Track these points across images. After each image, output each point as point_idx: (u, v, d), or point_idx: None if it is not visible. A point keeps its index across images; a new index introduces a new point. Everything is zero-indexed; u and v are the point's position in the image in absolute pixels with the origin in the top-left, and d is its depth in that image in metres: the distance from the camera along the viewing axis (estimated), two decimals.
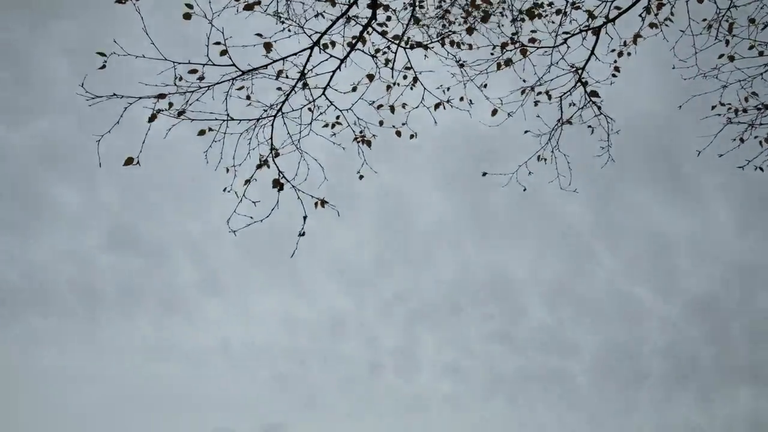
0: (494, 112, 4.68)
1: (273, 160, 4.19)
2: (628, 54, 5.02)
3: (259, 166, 4.63)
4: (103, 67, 4.13)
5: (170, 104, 4.21)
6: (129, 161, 3.86)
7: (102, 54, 4.10)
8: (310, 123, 4.49)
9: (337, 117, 4.95)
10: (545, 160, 5.01)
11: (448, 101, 4.64)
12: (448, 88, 4.96)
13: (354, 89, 4.98)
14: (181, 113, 4.24)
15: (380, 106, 4.74)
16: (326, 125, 4.96)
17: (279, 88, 4.78)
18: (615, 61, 4.98)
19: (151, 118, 4.14)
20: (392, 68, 4.54)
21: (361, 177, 4.88)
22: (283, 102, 4.29)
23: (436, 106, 4.66)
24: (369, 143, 4.89)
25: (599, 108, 4.96)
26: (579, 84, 4.96)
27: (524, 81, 4.63)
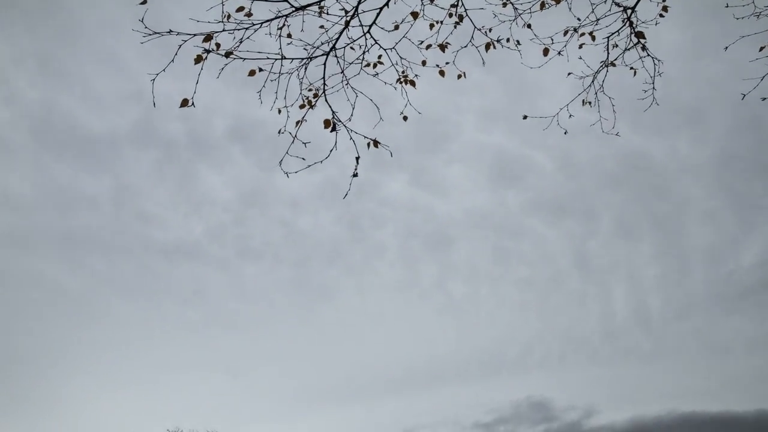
0: (546, 52, 4.59)
1: (326, 99, 4.14)
2: None
3: (302, 106, 4.58)
4: (144, 2, 4.00)
5: (218, 45, 4.11)
6: (184, 103, 3.80)
7: None
8: (362, 59, 4.40)
9: (379, 56, 4.86)
10: (589, 103, 4.97)
11: (497, 40, 4.54)
12: (490, 30, 4.85)
13: (396, 28, 4.87)
14: (228, 54, 4.15)
15: (429, 46, 4.64)
16: (368, 65, 4.87)
17: (321, 26, 4.66)
18: (663, 0, 4.87)
19: (197, 60, 4.05)
20: (454, 6, 4.42)
21: (405, 118, 4.83)
22: (337, 38, 4.19)
23: (487, 46, 4.56)
24: (413, 83, 4.81)
25: (646, 49, 4.89)
26: (626, 24, 4.87)
27: (579, 19, 4.53)
